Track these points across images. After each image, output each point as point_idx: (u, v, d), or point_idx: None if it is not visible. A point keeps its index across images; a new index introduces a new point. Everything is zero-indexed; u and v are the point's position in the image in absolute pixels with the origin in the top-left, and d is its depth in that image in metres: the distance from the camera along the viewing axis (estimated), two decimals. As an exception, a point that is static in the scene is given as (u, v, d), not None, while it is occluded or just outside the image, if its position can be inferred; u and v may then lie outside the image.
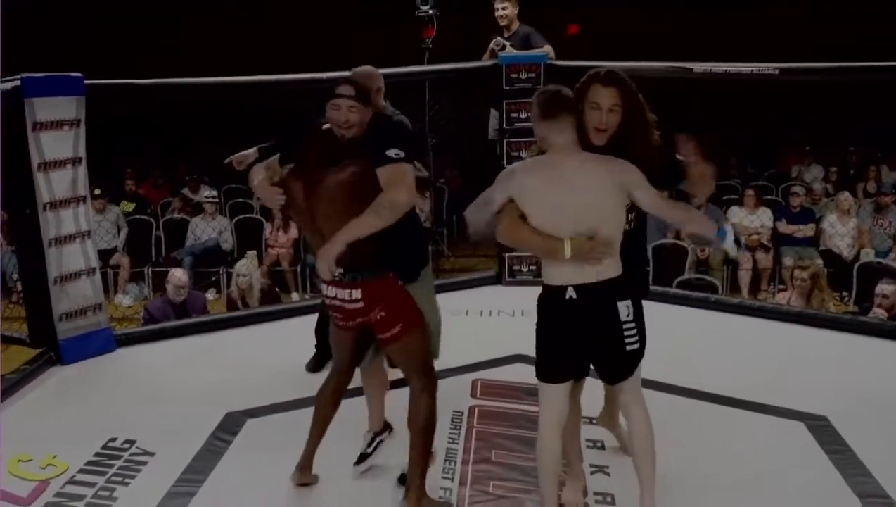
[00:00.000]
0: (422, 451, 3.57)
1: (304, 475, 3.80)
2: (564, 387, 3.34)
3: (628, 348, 3.26)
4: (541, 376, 3.35)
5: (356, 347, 3.75)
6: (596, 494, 3.74)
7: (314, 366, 5.13)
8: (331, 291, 3.50)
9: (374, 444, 4.03)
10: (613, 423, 4.04)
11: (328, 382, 3.81)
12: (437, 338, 3.93)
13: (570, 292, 3.19)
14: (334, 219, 3.33)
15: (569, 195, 3.15)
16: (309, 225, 3.55)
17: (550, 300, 3.25)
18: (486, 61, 6.73)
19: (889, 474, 3.88)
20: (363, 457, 3.96)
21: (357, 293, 3.46)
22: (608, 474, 3.92)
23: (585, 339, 3.25)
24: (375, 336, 3.60)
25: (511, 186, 3.24)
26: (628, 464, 3.51)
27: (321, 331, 5.07)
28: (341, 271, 3.40)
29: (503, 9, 6.77)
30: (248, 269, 7.22)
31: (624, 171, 3.19)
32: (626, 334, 3.24)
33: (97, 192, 9.90)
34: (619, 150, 3.25)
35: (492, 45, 6.76)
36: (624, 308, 3.23)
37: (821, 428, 4.29)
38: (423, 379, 3.61)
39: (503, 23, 6.78)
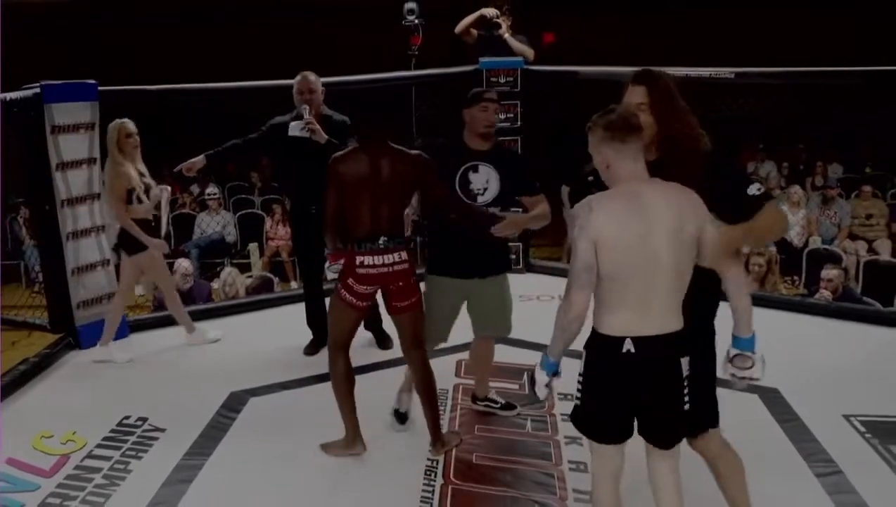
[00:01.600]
0: (434, 405, 3.88)
1: (359, 445, 3.90)
2: (618, 447, 2.78)
3: (687, 405, 2.70)
4: (588, 432, 2.80)
5: (361, 321, 3.92)
6: None
7: (312, 350, 5.14)
8: (375, 260, 3.60)
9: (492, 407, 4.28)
10: None
11: (339, 362, 3.83)
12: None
13: (629, 346, 2.61)
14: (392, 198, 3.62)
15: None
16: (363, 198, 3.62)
17: (605, 352, 2.66)
18: (464, 26, 6.62)
19: (831, 438, 3.97)
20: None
21: (404, 255, 3.65)
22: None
23: (645, 398, 2.67)
24: (391, 304, 3.76)
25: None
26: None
27: (316, 318, 5.09)
28: (386, 238, 3.60)
29: (501, 20, 6.72)
30: (233, 278, 7.22)
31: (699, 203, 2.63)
32: (686, 391, 2.68)
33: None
34: (666, 163, 2.74)
35: (486, 11, 6.58)
36: (686, 365, 2.68)
37: (773, 399, 4.34)
38: (422, 349, 3.85)
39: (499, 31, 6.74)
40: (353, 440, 3.89)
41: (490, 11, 6.58)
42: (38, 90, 4.95)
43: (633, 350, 2.59)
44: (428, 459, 3.85)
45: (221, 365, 4.97)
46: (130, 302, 5.61)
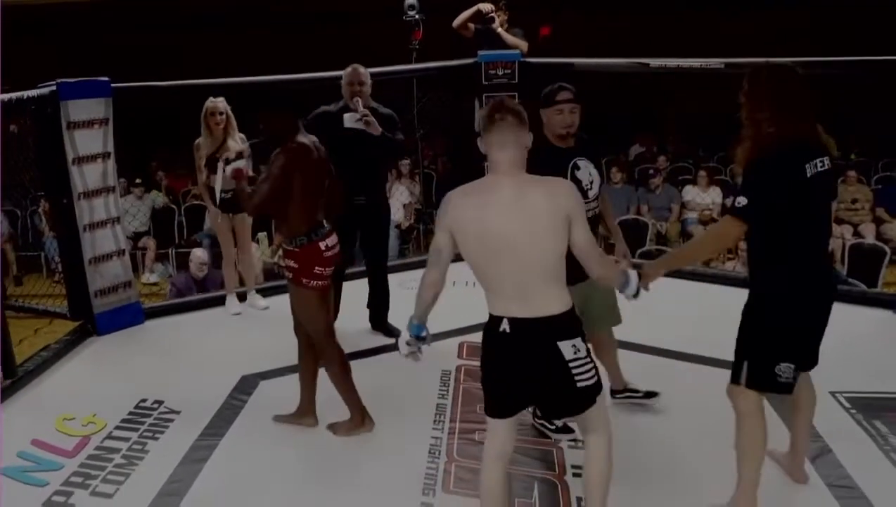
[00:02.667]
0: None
1: (368, 422, 3.94)
2: (508, 422, 2.85)
3: (579, 384, 2.72)
4: (485, 409, 2.88)
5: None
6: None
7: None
8: (330, 241, 3.76)
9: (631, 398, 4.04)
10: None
11: (334, 350, 3.88)
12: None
13: (505, 325, 2.69)
14: None
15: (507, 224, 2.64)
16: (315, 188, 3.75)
17: (488, 330, 2.76)
18: (461, 21, 6.63)
19: (817, 414, 3.84)
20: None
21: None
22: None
23: (525, 376, 2.73)
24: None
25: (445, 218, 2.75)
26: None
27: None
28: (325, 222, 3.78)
29: (499, 14, 6.69)
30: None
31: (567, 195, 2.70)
32: (574, 372, 2.70)
33: (138, 181, 9.93)
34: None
35: (482, 6, 6.60)
36: (569, 348, 2.69)
37: (763, 378, 4.32)
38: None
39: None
40: (361, 420, 3.90)
41: (486, 7, 6.57)
42: (54, 88, 4.93)
43: (508, 330, 2.66)
44: (432, 438, 3.86)
45: (233, 350, 4.97)
46: (231, 258, 5.76)
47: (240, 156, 4.34)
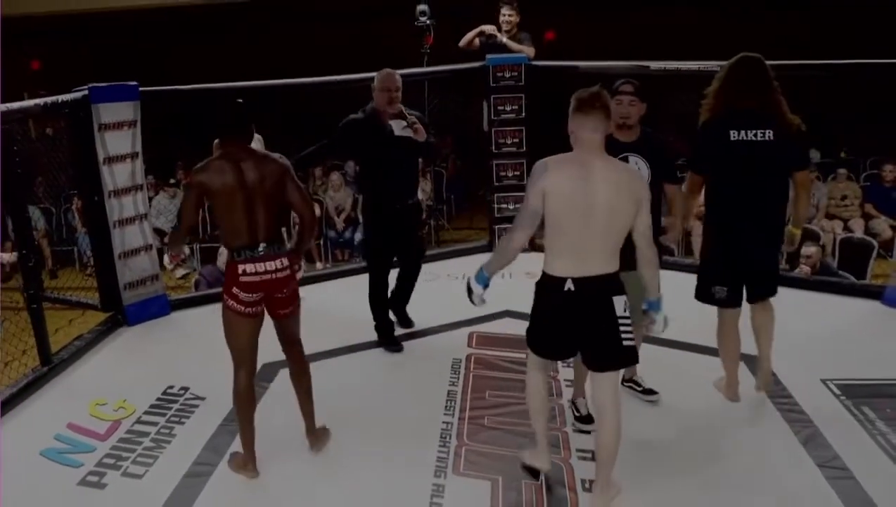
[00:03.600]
0: (311, 396, 3.71)
1: (251, 468, 3.54)
2: (546, 363, 3.26)
3: (625, 342, 2.99)
4: (531, 346, 3.19)
5: (257, 333, 3.52)
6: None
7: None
8: (260, 267, 3.31)
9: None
10: None
11: (239, 380, 3.50)
12: None
13: (569, 285, 2.94)
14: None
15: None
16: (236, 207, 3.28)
17: (551, 289, 2.98)
18: (466, 42, 6.63)
19: (809, 400, 4.00)
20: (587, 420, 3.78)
21: (285, 261, 3.38)
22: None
23: (582, 328, 3.00)
24: (274, 311, 3.49)
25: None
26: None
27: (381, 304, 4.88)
28: (265, 245, 3.32)
29: (510, 16, 6.66)
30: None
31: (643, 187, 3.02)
32: (621, 328, 2.97)
33: (172, 181, 9.98)
34: None
35: (485, 27, 6.62)
36: (620, 303, 2.97)
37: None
38: (299, 344, 3.69)
39: (506, 28, 6.68)
40: (247, 461, 3.53)
41: (488, 28, 6.59)
42: (86, 92, 4.96)
43: (573, 288, 2.93)
44: (443, 423, 3.88)
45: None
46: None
47: None
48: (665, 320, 3.19)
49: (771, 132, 3.51)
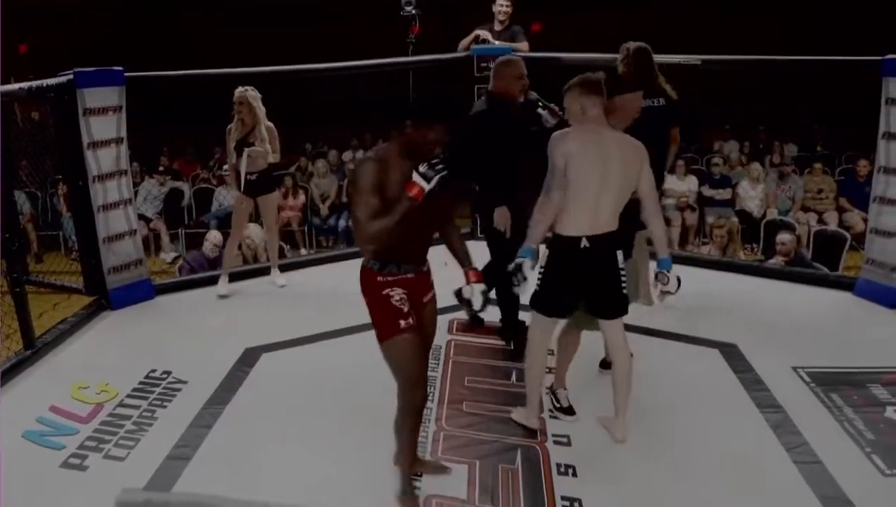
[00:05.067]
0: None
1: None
2: (554, 322, 3.58)
3: (624, 290, 3.44)
4: (543, 310, 3.52)
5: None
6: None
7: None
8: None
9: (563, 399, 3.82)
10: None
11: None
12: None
13: (585, 243, 3.32)
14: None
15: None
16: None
17: (567, 248, 3.36)
18: (463, 48, 6.62)
19: (780, 387, 4.04)
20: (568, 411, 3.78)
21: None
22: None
23: (591, 281, 3.41)
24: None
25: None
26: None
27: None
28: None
29: (505, 6, 6.62)
30: (254, 234, 7.18)
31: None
32: (622, 278, 3.42)
33: (161, 168, 9.91)
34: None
35: (479, 32, 6.63)
36: (620, 256, 3.41)
37: (731, 353, 4.39)
38: (401, 392, 3.17)
39: (501, 17, 6.63)
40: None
41: (483, 33, 6.56)
42: (71, 77, 4.90)
43: (588, 245, 3.33)
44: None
45: (237, 324, 4.98)
46: (236, 240, 5.84)
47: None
48: (678, 280, 3.49)
49: (663, 99, 4.52)
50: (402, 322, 2.95)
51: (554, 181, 3.36)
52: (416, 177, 2.77)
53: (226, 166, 5.85)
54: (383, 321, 2.98)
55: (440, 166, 2.77)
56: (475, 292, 3.11)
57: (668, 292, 3.50)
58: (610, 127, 3.38)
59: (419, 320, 3.04)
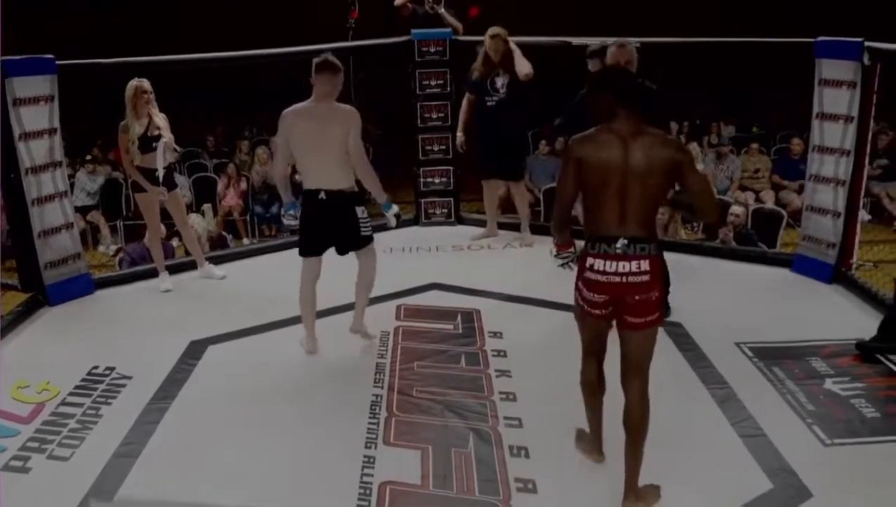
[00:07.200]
0: (638, 446, 3.05)
1: (596, 453, 3.33)
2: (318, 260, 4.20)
3: (363, 233, 4.10)
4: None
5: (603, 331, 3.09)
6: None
7: None
8: (607, 265, 2.84)
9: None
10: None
11: (584, 369, 3.18)
12: None
13: (322, 195, 3.95)
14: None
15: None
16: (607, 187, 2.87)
17: (308, 199, 4.04)
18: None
19: (724, 362, 4.14)
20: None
21: (645, 265, 2.83)
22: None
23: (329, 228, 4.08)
24: (623, 318, 2.92)
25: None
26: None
27: None
28: (625, 241, 2.82)
29: None
30: (196, 223, 7.05)
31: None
32: (361, 227, 4.09)
33: (89, 157, 9.62)
34: None
35: None
36: (360, 211, 4.06)
37: (676, 331, 4.45)
38: (646, 375, 3.03)
39: None
40: (592, 444, 3.32)
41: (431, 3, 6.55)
42: (-2, 65, 4.73)
43: (324, 198, 3.99)
44: (373, 395, 3.88)
45: (181, 316, 4.90)
46: (160, 234, 5.67)
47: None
48: (395, 217, 4.36)
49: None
50: None
51: (277, 154, 4.26)
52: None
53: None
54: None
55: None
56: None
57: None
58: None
59: None
